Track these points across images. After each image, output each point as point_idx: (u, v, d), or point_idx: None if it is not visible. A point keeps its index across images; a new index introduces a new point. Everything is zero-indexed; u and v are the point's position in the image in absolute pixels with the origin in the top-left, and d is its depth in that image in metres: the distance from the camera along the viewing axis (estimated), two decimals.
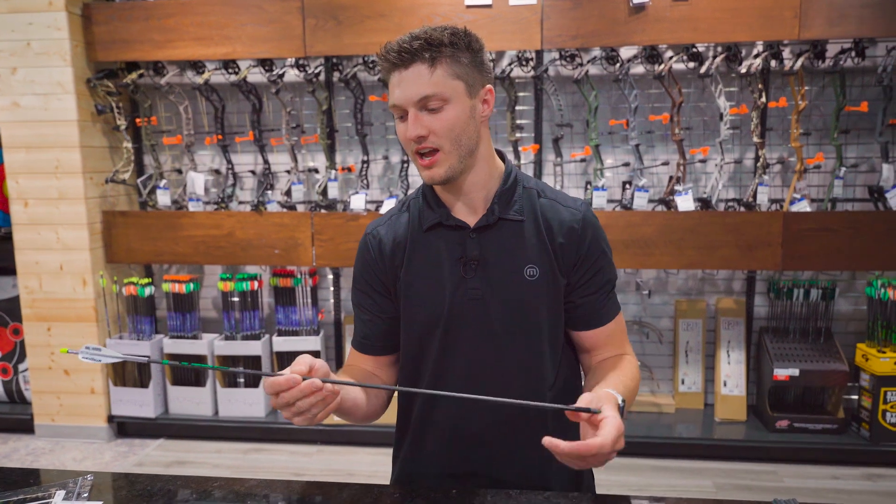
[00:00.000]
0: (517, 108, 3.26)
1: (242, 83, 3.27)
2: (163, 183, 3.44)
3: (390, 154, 3.48)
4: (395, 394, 1.29)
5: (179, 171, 3.60)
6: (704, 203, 3.09)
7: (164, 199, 3.40)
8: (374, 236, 1.25)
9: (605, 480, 2.89)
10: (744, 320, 3.32)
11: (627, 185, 3.19)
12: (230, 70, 3.32)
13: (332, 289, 3.62)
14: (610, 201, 3.24)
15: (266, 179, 3.42)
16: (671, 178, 3.14)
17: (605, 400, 0.99)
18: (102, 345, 3.38)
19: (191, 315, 3.46)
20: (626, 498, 1.10)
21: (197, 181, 3.41)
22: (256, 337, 3.44)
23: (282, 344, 3.40)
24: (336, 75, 3.34)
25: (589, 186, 3.20)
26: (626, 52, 3.14)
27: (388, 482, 1.31)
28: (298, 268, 3.46)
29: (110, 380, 3.42)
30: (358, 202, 3.24)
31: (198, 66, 3.37)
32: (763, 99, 3.03)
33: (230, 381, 3.43)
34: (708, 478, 2.92)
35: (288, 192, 3.36)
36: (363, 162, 3.35)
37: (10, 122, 3.25)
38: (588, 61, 3.10)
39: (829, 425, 3.07)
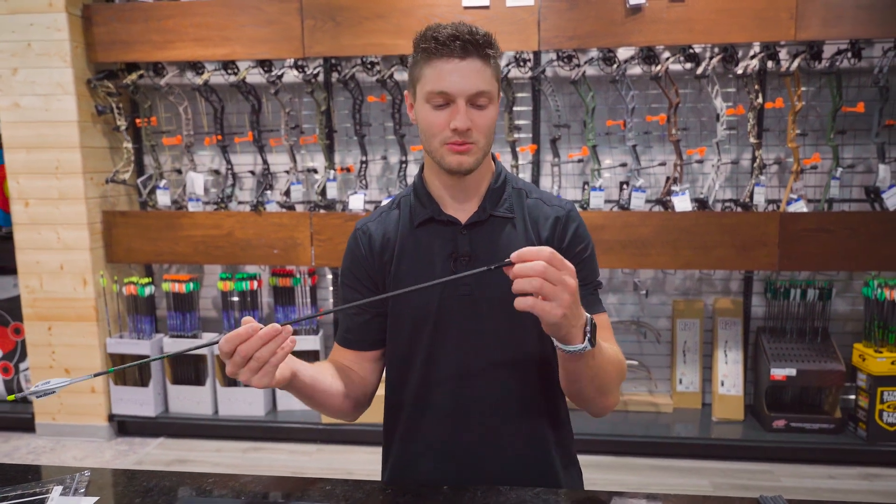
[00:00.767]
0: (515, 108, 3.28)
1: (242, 84, 3.28)
2: (163, 183, 3.46)
3: (389, 154, 3.49)
4: (384, 398, 1.29)
5: (179, 172, 3.62)
6: (701, 203, 3.10)
7: (163, 199, 3.42)
8: (363, 232, 1.26)
9: (602, 479, 2.91)
10: (741, 320, 3.33)
11: (625, 186, 3.20)
12: (229, 71, 3.34)
13: (331, 288, 3.64)
14: (607, 202, 3.26)
15: (265, 180, 3.44)
16: (668, 178, 3.15)
17: None
18: (103, 344, 3.41)
19: (191, 314, 3.47)
20: (615, 494, 1.11)
21: (196, 181, 3.42)
22: None
23: None
24: (335, 76, 3.36)
25: (586, 187, 3.21)
26: (623, 53, 3.15)
27: None
28: (297, 267, 3.48)
29: (111, 379, 3.44)
30: (356, 202, 3.26)
31: (197, 67, 3.39)
32: (759, 100, 3.04)
33: (230, 380, 3.44)
34: (705, 477, 2.94)
35: (287, 193, 3.38)
36: (362, 162, 3.36)
37: (10, 123, 3.27)
38: (585, 62, 3.12)
39: (826, 425, 3.08)
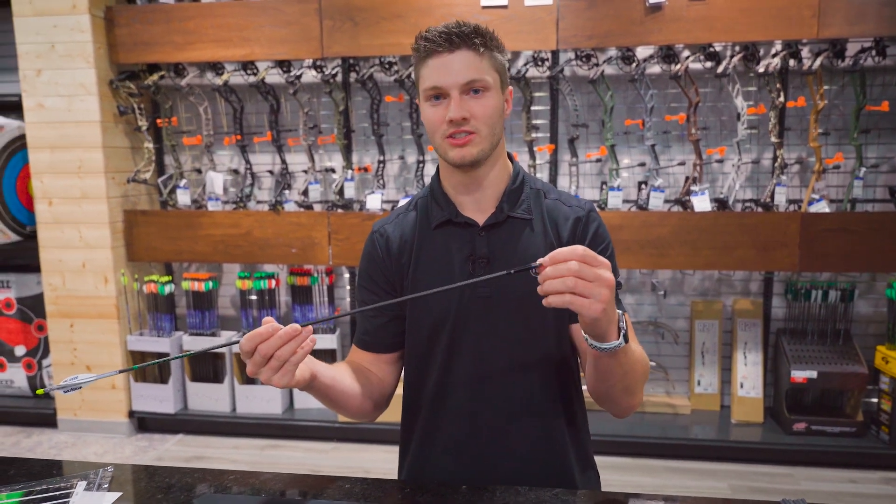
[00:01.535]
0: (533, 108, 3.27)
1: (261, 84, 3.31)
2: (183, 182, 3.50)
3: (406, 154, 3.50)
4: (402, 397, 1.29)
5: (199, 171, 3.65)
6: (721, 203, 3.07)
7: (184, 198, 3.45)
8: (381, 234, 1.26)
9: (619, 481, 2.89)
10: (761, 321, 3.29)
11: (643, 186, 3.18)
12: (249, 71, 3.37)
13: (348, 287, 3.65)
14: (625, 201, 3.24)
15: (284, 179, 3.46)
16: (687, 178, 3.13)
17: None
18: (124, 341, 3.45)
19: (209, 312, 3.51)
20: (632, 495, 1.11)
21: (216, 181, 3.46)
22: None
23: None
24: (353, 76, 3.37)
25: (604, 186, 3.19)
26: (642, 52, 3.13)
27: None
28: (315, 266, 3.50)
29: (131, 376, 3.48)
30: (374, 202, 3.27)
31: (217, 68, 3.42)
32: (781, 99, 3.00)
33: (248, 378, 3.47)
34: (723, 480, 2.91)
35: (305, 192, 3.40)
36: (379, 162, 3.37)
37: (35, 123, 3.32)
38: (604, 61, 3.10)
39: (848, 428, 3.04)
